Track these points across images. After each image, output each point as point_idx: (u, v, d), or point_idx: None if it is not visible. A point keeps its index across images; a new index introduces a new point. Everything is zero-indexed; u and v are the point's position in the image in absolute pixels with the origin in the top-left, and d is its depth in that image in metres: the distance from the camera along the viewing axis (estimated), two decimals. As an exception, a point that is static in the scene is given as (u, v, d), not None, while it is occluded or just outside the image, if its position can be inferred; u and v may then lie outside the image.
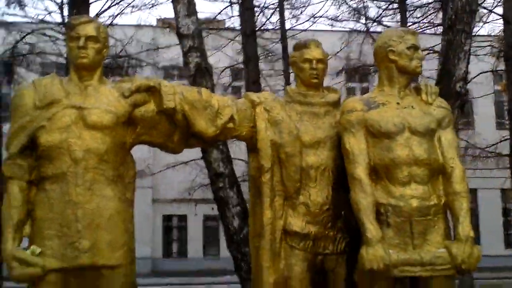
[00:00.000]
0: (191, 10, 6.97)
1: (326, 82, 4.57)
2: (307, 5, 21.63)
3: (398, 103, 4.07)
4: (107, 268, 3.77)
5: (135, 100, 4.01)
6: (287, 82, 14.75)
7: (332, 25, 19.78)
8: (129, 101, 3.98)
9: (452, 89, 6.41)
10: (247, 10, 13.15)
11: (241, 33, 13.82)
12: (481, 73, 16.47)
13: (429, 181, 3.97)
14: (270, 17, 16.59)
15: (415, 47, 4.11)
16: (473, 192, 26.94)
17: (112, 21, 16.96)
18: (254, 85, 12.39)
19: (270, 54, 18.19)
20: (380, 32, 19.76)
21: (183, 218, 27.21)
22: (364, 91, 28.22)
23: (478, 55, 16.97)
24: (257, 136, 4.26)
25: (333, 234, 4.20)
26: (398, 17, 20.08)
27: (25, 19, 16.65)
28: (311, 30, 19.33)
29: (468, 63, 6.71)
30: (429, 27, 18.28)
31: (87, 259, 3.72)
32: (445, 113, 4.13)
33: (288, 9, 18.32)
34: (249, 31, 12.96)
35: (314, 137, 4.23)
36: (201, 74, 6.77)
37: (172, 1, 7.15)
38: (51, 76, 4.07)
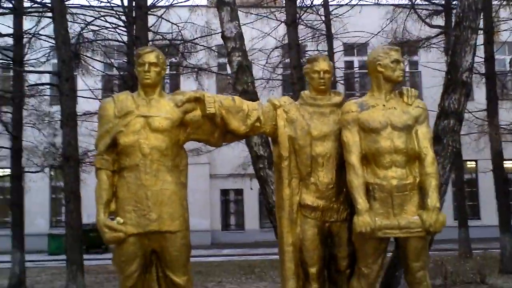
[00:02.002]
0: (234, 16, 7.53)
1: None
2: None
3: (384, 105, 4.96)
4: (169, 233, 4.73)
5: (185, 108, 4.91)
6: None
7: (377, 2, 20.14)
8: (181, 109, 4.89)
9: (459, 79, 6.90)
10: (289, 0, 13.59)
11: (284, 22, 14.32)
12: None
13: (407, 165, 4.83)
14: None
15: (397, 61, 4.97)
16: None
17: (168, 6, 18.01)
18: (295, 69, 12.96)
19: (317, 35, 18.85)
20: (425, 7, 20.08)
21: (239, 192, 27.66)
22: (412, 64, 28.42)
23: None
24: (278, 132, 5.16)
25: (337, 206, 5.08)
26: (444, -8, 20.16)
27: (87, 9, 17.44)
28: (358, 4, 19.68)
29: (474, 55, 7.40)
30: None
31: (155, 226, 4.68)
32: (421, 112, 4.98)
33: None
34: (289, 21, 13.41)
35: (321, 131, 5.08)
36: (242, 71, 7.39)
37: (217, 9, 7.68)
38: (125, 92, 5.04)
